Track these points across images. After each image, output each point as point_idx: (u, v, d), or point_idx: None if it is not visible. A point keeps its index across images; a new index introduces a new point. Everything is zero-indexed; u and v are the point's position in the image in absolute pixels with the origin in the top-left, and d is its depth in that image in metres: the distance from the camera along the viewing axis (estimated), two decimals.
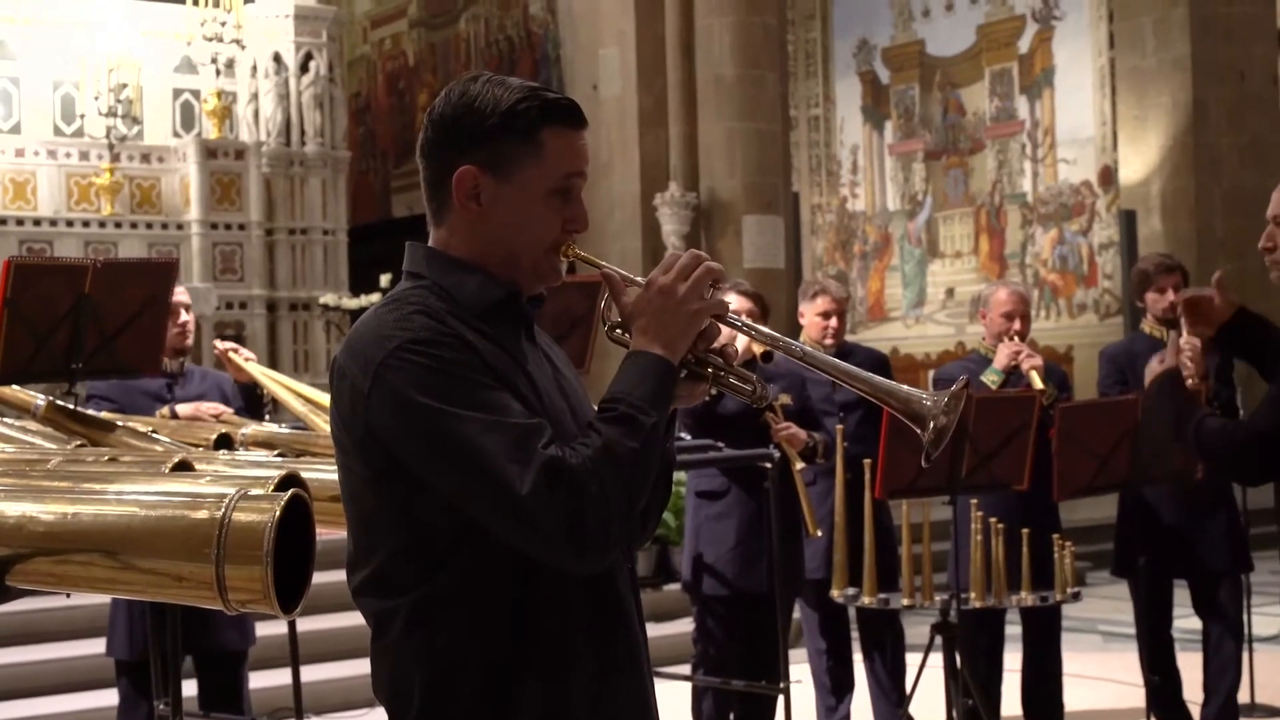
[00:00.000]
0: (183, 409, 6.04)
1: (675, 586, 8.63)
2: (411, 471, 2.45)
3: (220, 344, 6.38)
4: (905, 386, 2.58)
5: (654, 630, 2.76)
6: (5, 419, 4.77)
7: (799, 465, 6.51)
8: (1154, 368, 6.53)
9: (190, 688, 6.31)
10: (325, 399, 5.68)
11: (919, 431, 2.52)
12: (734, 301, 6.36)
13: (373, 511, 2.54)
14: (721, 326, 2.61)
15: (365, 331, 2.51)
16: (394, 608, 2.52)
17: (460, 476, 2.41)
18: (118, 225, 14.49)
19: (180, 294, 6.41)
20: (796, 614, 7.38)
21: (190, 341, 6.43)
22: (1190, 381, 6.51)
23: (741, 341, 5.86)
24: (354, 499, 2.57)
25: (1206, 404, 6.33)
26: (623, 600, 2.61)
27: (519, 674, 2.49)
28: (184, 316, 6.37)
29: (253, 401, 6.35)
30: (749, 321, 2.76)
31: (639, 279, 2.59)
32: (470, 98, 2.58)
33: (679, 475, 6.78)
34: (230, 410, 6.08)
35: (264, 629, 6.39)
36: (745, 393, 2.63)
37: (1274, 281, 4.15)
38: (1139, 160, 16.98)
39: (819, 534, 6.58)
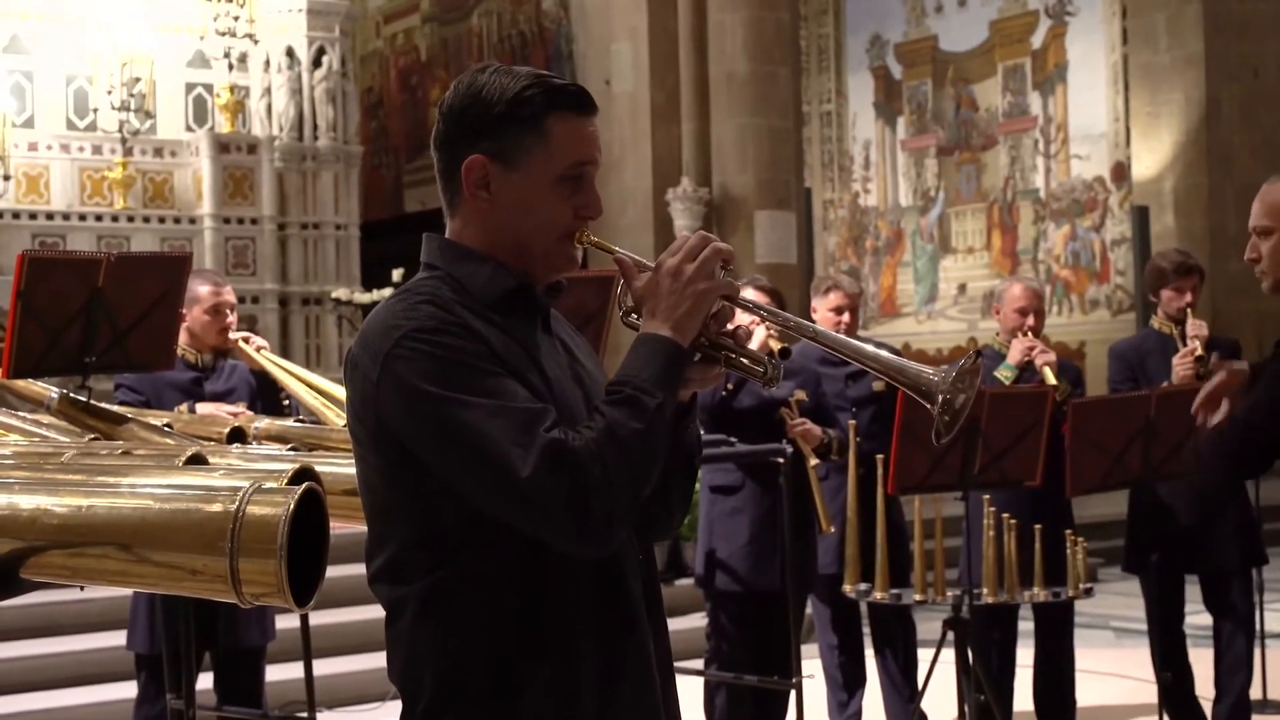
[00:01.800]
0: (202, 408, 6.04)
1: (688, 582, 8.63)
2: (421, 460, 2.47)
3: (233, 334, 6.37)
4: (914, 363, 2.58)
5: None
6: (19, 412, 4.78)
7: (813, 462, 6.51)
8: (1177, 370, 6.55)
9: (206, 681, 6.33)
10: (338, 390, 5.68)
11: (929, 407, 2.52)
12: (750, 296, 6.35)
13: (386, 501, 2.55)
14: (735, 309, 2.62)
15: (375, 322, 2.54)
16: (405, 596, 2.53)
17: (464, 461, 2.42)
18: (130, 219, 14.51)
19: (226, 293, 6.41)
20: (808, 609, 7.38)
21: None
22: (1195, 362, 6.53)
23: (758, 337, 5.87)
24: (369, 489, 2.58)
25: None
26: (631, 594, 2.61)
27: (526, 666, 2.50)
28: (229, 317, 6.36)
29: (266, 387, 6.34)
30: (759, 303, 2.76)
31: (651, 263, 2.59)
32: (478, 88, 2.59)
33: None
34: (250, 413, 6.04)
35: (277, 623, 6.40)
36: (758, 374, 2.62)
37: (1265, 291, 4.14)
38: (1152, 157, 16.96)
39: (832, 530, 6.58)
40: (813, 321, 7.01)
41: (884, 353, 2.61)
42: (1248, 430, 3.95)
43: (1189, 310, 6.79)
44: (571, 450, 2.38)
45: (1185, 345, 6.66)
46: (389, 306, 2.55)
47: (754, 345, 5.08)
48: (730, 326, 2.61)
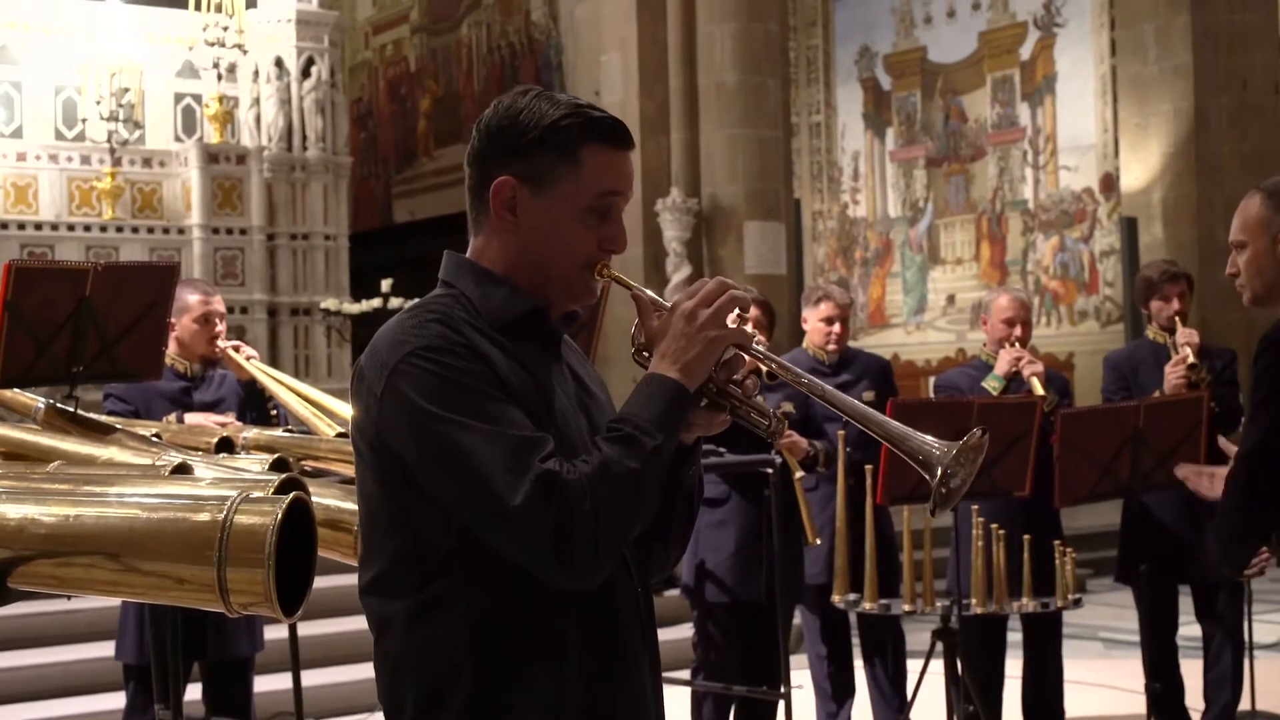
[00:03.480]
0: (190, 418, 6.03)
1: (674, 592, 8.64)
2: (417, 476, 2.46)
3: (221, 342, 6.36)
4: (918, 434, 2.58)
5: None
6: (6, 422, 4.77)
7: (799, 475, 6.51)
8: (1169, 378, 6.57)
9: (195, 691, 6.31)
10: (329, 400, 5.68)
11: (929, 479, 2.52)
12: None
13: (380, 512, 2.55)
14: (746, 358, 2.61)
15: (385, 336, 2.54)
16: (395, 611, 2.53)
17: (456, 483, 2.42)
18: (119, 229, 14.48)
19: (216, 301, 6.40)
20: (797, 620, 7.38)
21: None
22: (1187, 370, 6.55)
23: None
24: (365, 499, 2.59)
25: (1209, 404, 6.37)
26: (621, 608, 2.60)
27: (513, 686, 2.49)
28: (218, 326, 6.35)
29: (254, 397, 6.33)
30: (772, 354, 2.75)
31: (667, 304, 2.59)
32: (517, 110, 2.60)
33: None
34: (238, 423, 6.03)
35: (266, 633, 6.39)
36: (762, 426, 2.63)
37: (1246, 304, 4.15)
38: (1140, 168, 16.98)
39: (818, 542, 6.58)
40: (802, 339, 7.03)
41: (889, 420, 2.63)
42: (1259, 465, 3.88)
43: (1178, 318, 6.81)
44: (563, 483, 2.38)
45: (1177, 354, 6.68)
46: (400, 321, 2.55)
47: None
48: (738, 376, 2.61)
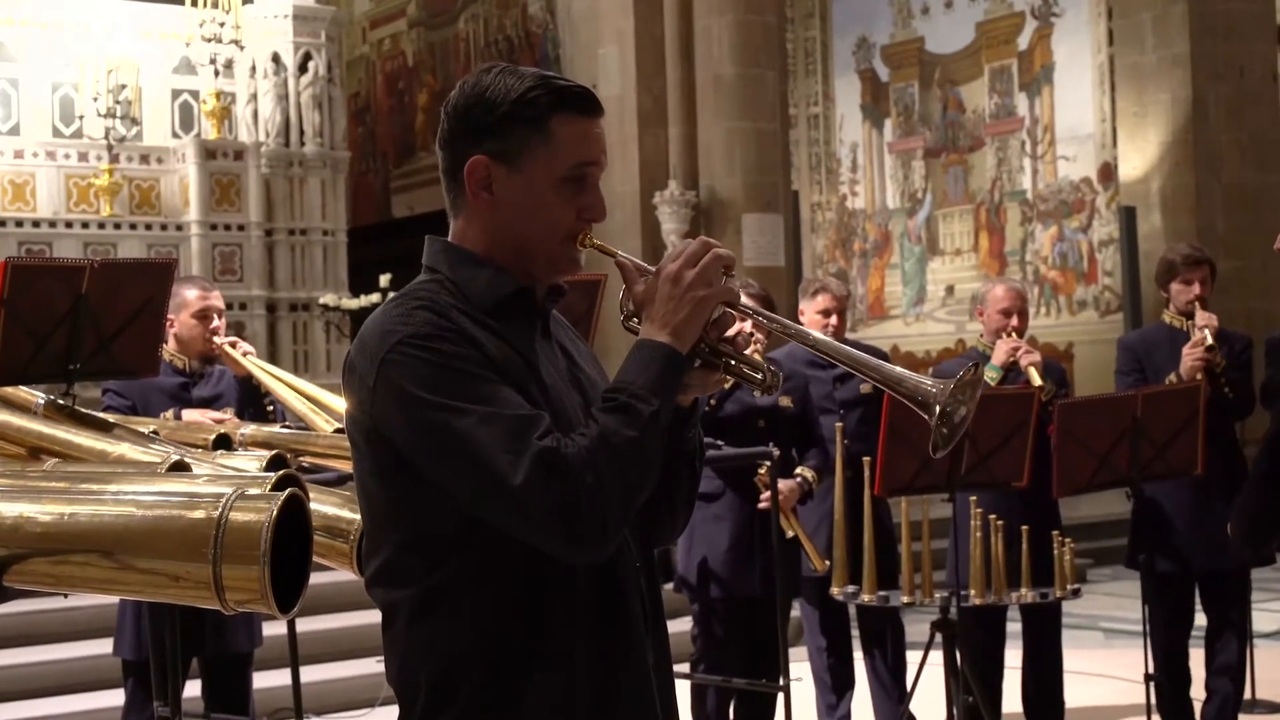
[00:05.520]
0: (188, 414, 6.02)
1: (669, 585, 8.65)
2: (415, 465, 2.46)
3: (219, 338, 6.35)
4: (913, 374, 2.57)
5: None
6: (20, 412, 4.76)
7: (790, 534, 6.49)
8: (1186, 360, 6.56)
9: (194, 688, 6.31)
10: (326, 396, 5.68)
11: (927, 418, 2.51)
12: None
13: (380, 504, 2.55)
14: (736, 315, 2.60)
15: (373, 327, 2.53)
16: (400, 599, 2.53)
17: (457, 469, 2.41)
18: (117, 226, 14.48)
19: (214, 297, 6.38)
20: (796, 612, 7.38)
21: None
22: (1205, 352, 6.54)
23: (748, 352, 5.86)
24: (365, 492, 2.59)
25: (1221, 388, 6.36)
26: (627, 598, 2.60)
27: (521, 671, 2.49)
28: (216, 321, 6.33)
29: (252, 393, 6.33)
30: (760, 309, 2.75)
31: (652, 268, 2.58)
32: (482, 88, 2.58)
33: None
34: (236, 419, 6.03)
35: (264, 629, 6.39)
36: (756, 381, 2.61)
37: None
38: (1139, 157, 16.98)
39: (827, 564, 6.54)
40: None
41: (884, 363, 2.61)
42: None
43: (1198, 303, 6.79)
44: (564, 457, 2.37)
45: (1196, 336, 6.67)
46: (386, 311, 2.54)
47: None
48: (730, 333, 2.60)
